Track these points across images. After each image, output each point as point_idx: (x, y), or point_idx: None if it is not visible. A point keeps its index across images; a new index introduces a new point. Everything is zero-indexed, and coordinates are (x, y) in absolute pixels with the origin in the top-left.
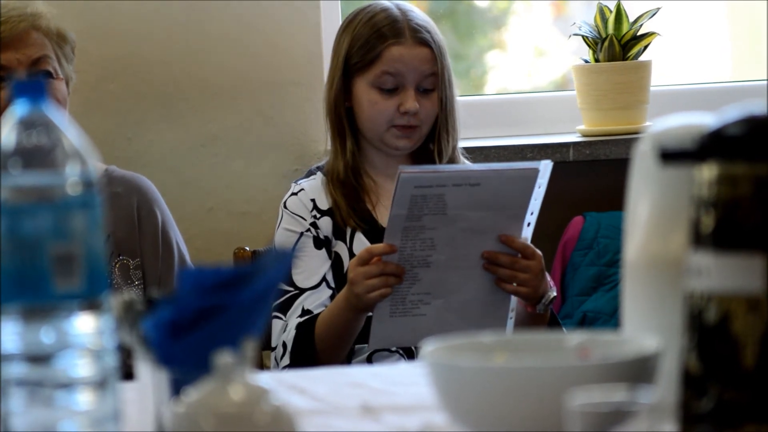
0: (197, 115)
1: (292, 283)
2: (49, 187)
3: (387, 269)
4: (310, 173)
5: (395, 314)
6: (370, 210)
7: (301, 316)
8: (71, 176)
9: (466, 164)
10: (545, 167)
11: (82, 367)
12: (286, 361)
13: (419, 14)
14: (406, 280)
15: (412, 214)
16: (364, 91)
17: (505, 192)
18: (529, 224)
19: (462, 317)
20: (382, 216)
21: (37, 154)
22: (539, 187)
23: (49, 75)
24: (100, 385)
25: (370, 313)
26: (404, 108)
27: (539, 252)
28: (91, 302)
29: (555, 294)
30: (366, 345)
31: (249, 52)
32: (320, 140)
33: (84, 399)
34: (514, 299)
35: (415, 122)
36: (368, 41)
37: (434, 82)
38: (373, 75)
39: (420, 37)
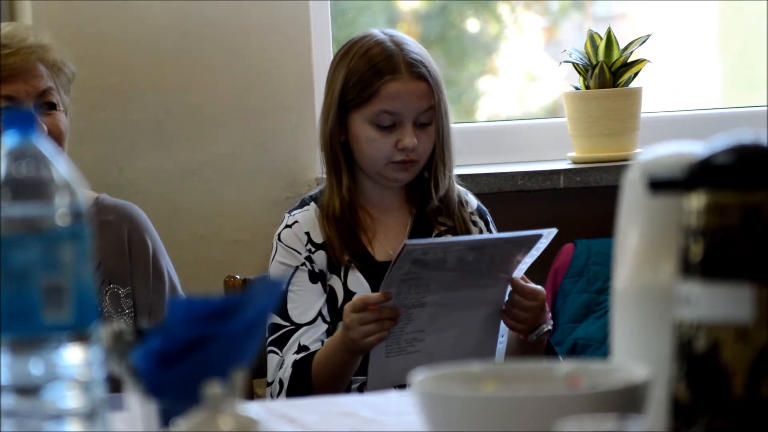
0: (188, 142)
1: (287, 318)
2: (39, 218)
3: (382, 314)
4: (303, 203)
5: (391, 354)
6: (366, 246)
7: (297, 352)
8: (60, 207)
9: (472, 236)
10: (549, 233)
11: (71, 399)
12: (283, 398)
13: (414, 46)
14: (401, 321)
15: (411, 271)
16: (360, 127)
17: (505, 250)
18: (525, 263)
19: (454, 350)
20: (378, 251)
21: (27, 185)
22: (540, 246)
23: (53, 107)
24: (89, 416)
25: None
26: (402, 145)
27: (543, 291)
28: (80, 333)
29: (550, 327)
30: (360, 377)
31: (240, 79)
32: (312, 167)
33: (73, 430)
34: (504, 328)
35: (413, 157)
36: (364, 77)
37: (431, 116)
38: (370, 112)
39: (416, 72)
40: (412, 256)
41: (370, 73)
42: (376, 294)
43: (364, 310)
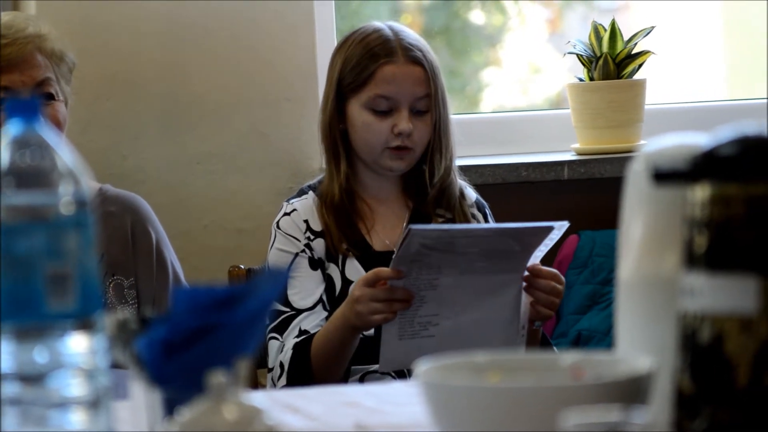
0: (193, 132)
1: (288, 304)
2: (43, 206)
3: (395, 295)
4: (301, 192)
5: (404, 337)
6: (364, 235)
7: (297, 336)
8: (64, 196)
9: (479, 224)
10: (561, 227)
11: (75, 387)
12: (283, 381)
13: (411, 34)
14: (414, 303)
15: (421, 252)
16: (357, 113)
17: (512, 242)
18: (540, 252)
19: (472, 338)
20: (377, 241)
21: (31, 173)
22: (553, 237)
23: (51, 97)
24: (93, 404)
25: (370, 333)
26: (398, 129)
27: (562, 276)
28: (84, 321)
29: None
30: (361, 367)
31: (244, 69)
32: (315, 157)
33: (77, 418)
34: (524, 318)
35: (409, 144)
36: (360, 62)
37: (428, 104)
38: (366, 96)
39: (412, 56)
40: (417, 240)
41: (366, 57)
42: (388, 269)
43: (376, 284)
